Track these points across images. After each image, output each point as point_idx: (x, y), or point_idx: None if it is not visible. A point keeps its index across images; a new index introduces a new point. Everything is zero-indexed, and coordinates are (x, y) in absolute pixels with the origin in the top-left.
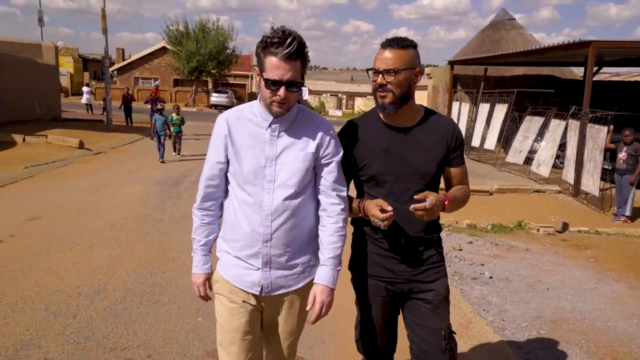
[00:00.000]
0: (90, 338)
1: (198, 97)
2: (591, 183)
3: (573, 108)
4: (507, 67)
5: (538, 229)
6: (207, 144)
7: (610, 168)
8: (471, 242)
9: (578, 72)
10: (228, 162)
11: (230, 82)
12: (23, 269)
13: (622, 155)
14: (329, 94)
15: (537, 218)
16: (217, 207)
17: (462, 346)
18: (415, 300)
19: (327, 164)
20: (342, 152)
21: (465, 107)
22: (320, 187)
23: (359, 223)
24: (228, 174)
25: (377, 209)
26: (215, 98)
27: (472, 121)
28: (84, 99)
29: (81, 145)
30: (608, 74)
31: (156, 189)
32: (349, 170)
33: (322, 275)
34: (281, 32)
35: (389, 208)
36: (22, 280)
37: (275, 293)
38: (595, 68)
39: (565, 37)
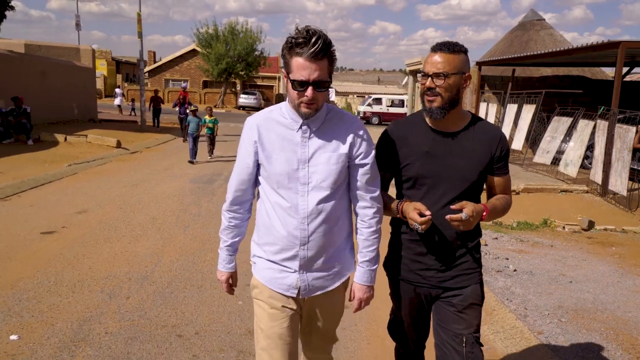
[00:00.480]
0: (143, 316)
1: (227, 98)
2: (619, 183)
3: (602, 108)
4: (535, 68)
5: (564, 227)
6: (236, 145)
7: (638, 168)
8: (496, 238)
9: (609, 72)
10: (258, 165)
11: (258, 83)
12: (77, 256)
13: None
14: (355, 95)
15: (563, 217)
16: (245, 210)
17: (486, 331)
18: (441, 303)
19: (360, 165)
20: (374, 151)
21: (493, 107)
22: (352, 188)
23: (396, 223)
24: (260, 178)
25: (416, 212)
26: (244, 99)
27: (499, 122)
28: (117, 101)
29: (118, 145)
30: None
31: (191, 186)
32: (391, 169)
33: (359, 275)
34: (305, 32)
35: (427, 212)
36: (78, 266)
37: (313, 295)
38: (627, 68)
39: (598, 37)
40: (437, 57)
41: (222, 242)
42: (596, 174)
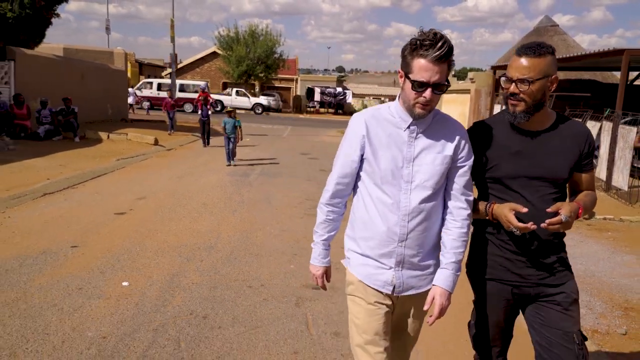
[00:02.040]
0: (217, 273)
1: None
2: (621, 179)
3: (607, 111)
4: None
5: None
6: (260, 148)
7: (639, 166)
8: None
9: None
10: (362, 161)
11: (276, 85)
12: (150, 230)
13: None
14: (371, 97)
15: None
16: (342, 205)
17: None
18: (543, 302)
19: (460, 168)
20: (473, 156)
21: None
22: (450, 190)
23: (482, 225)
24: (362, 173)
25: (512, 214)
26: (262, 101)
27: None
28: (130, 100)
29: (156, 143)
30: None
31: (230, 179)
32: (474, 171)
33: (443, 278)
34: (432, 35)
35: (524, 210)
36: (153, 238)
37: (406, 293)
38: (637, 73)
39: (618, 39)
40: (523, 62)
41: (317, 236)
42: (601, 172)
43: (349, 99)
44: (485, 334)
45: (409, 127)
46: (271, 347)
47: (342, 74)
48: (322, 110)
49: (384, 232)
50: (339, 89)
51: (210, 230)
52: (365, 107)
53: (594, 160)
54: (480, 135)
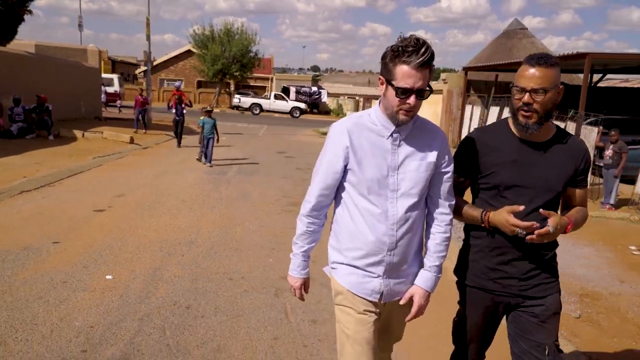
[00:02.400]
0: (198, 267)
1: (221, 98)
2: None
3: (571, 112)
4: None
5: None
6: (234, 149)
7: (600, 164)
8: None
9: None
10: (345, 171)
11: (251, 84)
12: (131, 227)
13: (608, 152)
14: (346, 97)
15: None
16: (323, 216)
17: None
18: (521, 313)
19: (443, 173)
20: (453, 162)
21: (477, 110)
22: (432, 195)
23: (471, 230)
24: (346, 183)
25: (515, 219)
26: (238, 100)
27: (483, 123)
28: (102, 97)
29: (131, 141)
30: (618, 79)
31: (208, 177)
32: (471, 176)
33: (424, 279)
34: (415, 41)
35: (521, 208)
36: (134, 234)
37: (392, 300)
38: (600, 75)
39: (585, 41)
40: (535, 72)
41: (297, 247)
42: None
43: (324, 98)
44: (464, 332)
45: (391, 135)
46: (252, 334)
47: (317, 73)
48: None
49: (373, 242)
50: (314, 88)
51: (190, 226)
52: (340, 106)
53: (587, 178)
54: (481, 141)
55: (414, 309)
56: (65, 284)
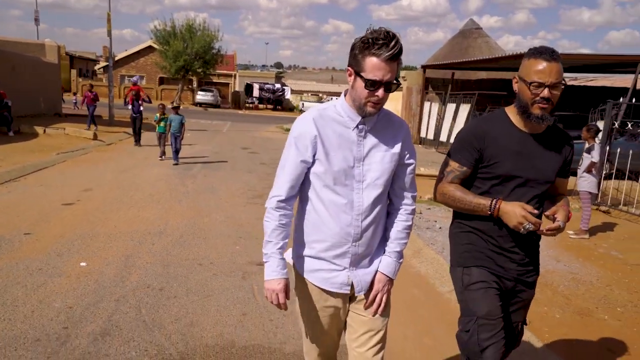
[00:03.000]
0: (169, 254)
1: (183, 95)
2: None
3: None
4: (472, 72)
5: None
6: (197, 147)
7: None
8: (429, 209)
9: None
10: (312, 162)
11: (214, 80)
12: (101, 218)
13: None
14: (310, 94)
15: None
16: (292, 207)
17: (414, 262)
18: (512, 298)
19: (406, 165)
20: (416, 153)
21: (435, 106)
22: (395, 187)
23: (466, 219)
24: (312, 175)
25: (527, 213)
26: (201, 96)
27: (441, 119)
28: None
29: (95, 137)
30: (568, 78)
31: (174, 172)
32: (474, 165)
33: (385, 264)
34: (385, 34)
35: (536, 211)
36: (104, 225)
37: (366, 291)
38: None
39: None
40: (552, 67)
41: (270, 246)
42: None
43: (288, 95)
44: (480, 330)
45: (357, 126)
46: (222, 311)
47: (281, 70)
48: (260, 106)
49: (337, 233)
50: (278, 85)
51: (158, 218)
52: (302, 103)
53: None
54: (484, 131)
55: (373, 294)
56: (41, 270)
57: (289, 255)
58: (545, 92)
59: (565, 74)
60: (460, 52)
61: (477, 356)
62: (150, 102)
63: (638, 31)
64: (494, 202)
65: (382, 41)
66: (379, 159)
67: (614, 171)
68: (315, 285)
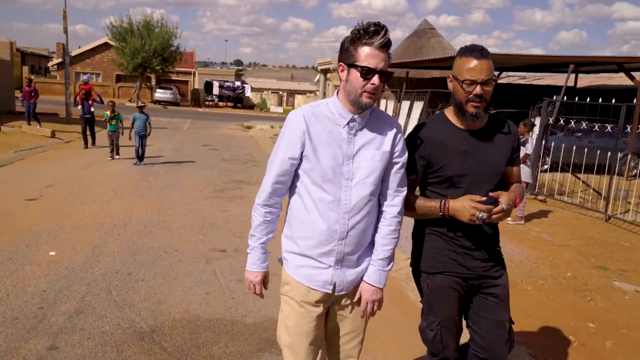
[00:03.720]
0: (135, 243)
1: (142, 93)
2: None
3: None
4: (426, 70)
5: None
6: (154, 146)
7: None
8: None
9: None
10: (301, 158)
11: (173, 78)
12: (66, 212)
13: None
14: (270, 91)
15: None
16: (279, 204)
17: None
18: (484, 295)
19: (396, 164)
20: (407, 153)
21: (391, 103)
22: (383, 187)
23: (427, 223)
24: (301, 171)
25: (476, 202)
26: (160, 94)
27: (396, 115)
28: None
29: (53, 135)
30: (516, 76)
31: (136, 168)
32: (422, 172)
33: (371, 274)
34: (374, 24)
35: (483, 198)
36: (70, 219)
37: (347, 291)
38: (497, 72)
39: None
40: (482, 64)
41: (254, 240)
42: None
43: (248, 93)
44: (442, 331)
45: (348, 124)
46: (187, 291)
47: (241, 67)
48: (221, 104)
49: (324, 230)
50: (238, 83)
51: (123, 211)
52: (263, 101)
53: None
54: (425, 136)
55: (362, 305)
56: (11, 260)
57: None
58: (478, 89)
59: (513, 73)
60: (415, 51)
61: (440, 351)
62: (102, 102)
63: (586, 32)
64: (443, 202)
65: (374, 29)
66: (369, 157)
67: (548, 164)
68: (299, 282)
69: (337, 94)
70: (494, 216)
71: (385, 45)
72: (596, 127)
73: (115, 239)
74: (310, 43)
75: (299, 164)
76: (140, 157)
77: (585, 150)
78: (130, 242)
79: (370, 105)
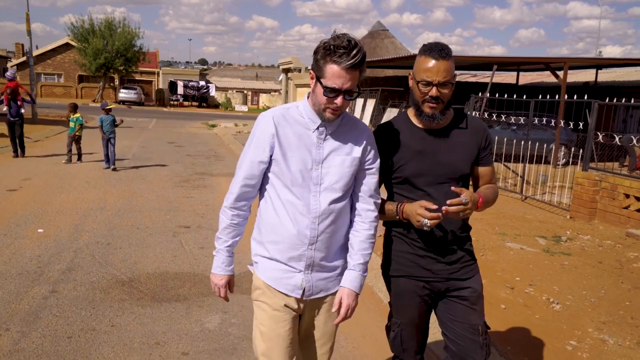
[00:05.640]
0: (111, 222)
1: (105, 93)
2: None
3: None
4: (380, 70)
5: None
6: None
7: None
8: None
9: None
10: (270, 162)
11: (137, 78)
12: (46, 200)
13: None
14: (234, 91)
15: None
16: (248, 208)
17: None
18: (452, 298)
19: (368, 170)
20: (379, 158)
21: None
22: (358, 192)
23: (392, 225)
24: (270, 174)
25: (423, 209)
26: (124, 94)
27: (352, 111)
28: None
29: None
30: (468, 74)
31: (105, 163)
32: (382, 172)
33: (350, 279)
34: (347, 42)
35: (434, 206)
36: (51, 204)
37: (316, 296)
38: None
39: (457, 37)
40: (440, 65)
41: (220, 243)
42: None
43: (213, 92)
44: (402, 333)
45: (317, 128)
46: (158, 255)
47: (205, 66)
48: (186, 103)
49: (294, 235)
50: (202, 83)
51: (98, 199)
52: (228, 100)
53: (492, 155)
54: (385, 137)
55: (342, 311)
56: (5, 235)
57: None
58: (433, 91)
59: (467, 72)
60: (369, 51)
61: (400, 353)
62: (34, 102)
63: (544, 29)
64: (398, 205)
65: (344, 50)
66: (339, 163)
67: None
68: (269, 286)
69: (308, 98)
70: (452, 209)
71: (355, 66)
72: (521, 121)
73: (93, 219)
74: (275, 41)
75: (269, 167)
76: (111, 161)
77: (522, 142)
78: (106, 221)
79: (333, 120)
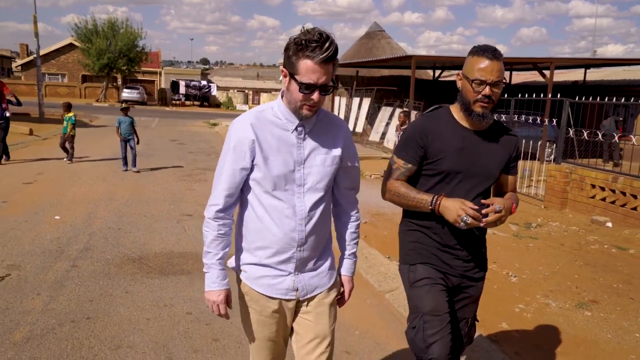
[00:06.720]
0: (120, 211)
1: (108, 93)
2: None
3: (407, 101)
4: (376, 70)
5: (370, 175)
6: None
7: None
8: None
9: (432, 74)
10: (252, 168)
11: (139, 78)
12: (60, 192)
13: (398, 132)
14: (236, 90)
15: (375, 170)
16: (231, 216)
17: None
18: (459, 295)
19: (349, 166)
20: (357, 151)
21: (344, 100)
22: (341, 187)
23: (413, 217)
24: (251, 181)
25: (467, 206)
26: (127, 94)
27: (349, 110)
28: None
29: (31, 132)
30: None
31: (112, 159)
32: (419, 162)
33: (348, 267)
34: (318, 35)
35: (476, 207)
36: (65, 195)
37: (312, 294)
38: (440, 71)
39: (459, 36)
40: (495, 65)
41: (210, 257)
42: (389, 142)
43: (214, 91)
44: (425, 326)
45: (296, 128)
46: (164, 238)
47: (207, 66)
48: (187, 103)
49: (281, 239)
50: (204, 82)
51: (108, 191)
52: (229, 99)
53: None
54: (429, 128)
55: (346, 294)
56: (26, 222)
57: (231, 262)
58: (487, 90)
59: (458, 71)
60: (366, 52)
61: (424, 352)
62: (20, 104)
63: (545, 28)
64: (435, 197)
65: (316, 43)
66: (320, 162)
67: None
68: (260, 293)
69: (282, 97)
70: (488, 218)
71: (329, 59)
72: (503, 118)
73: (104, 209)
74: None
75: (249, 174)
76: (132, 162)
77: None
78: (116, 210)
79: (310, 117)
